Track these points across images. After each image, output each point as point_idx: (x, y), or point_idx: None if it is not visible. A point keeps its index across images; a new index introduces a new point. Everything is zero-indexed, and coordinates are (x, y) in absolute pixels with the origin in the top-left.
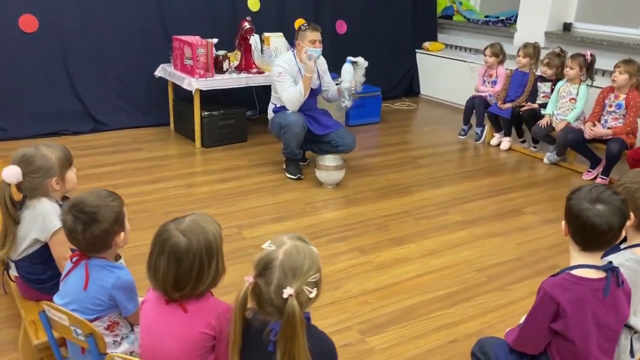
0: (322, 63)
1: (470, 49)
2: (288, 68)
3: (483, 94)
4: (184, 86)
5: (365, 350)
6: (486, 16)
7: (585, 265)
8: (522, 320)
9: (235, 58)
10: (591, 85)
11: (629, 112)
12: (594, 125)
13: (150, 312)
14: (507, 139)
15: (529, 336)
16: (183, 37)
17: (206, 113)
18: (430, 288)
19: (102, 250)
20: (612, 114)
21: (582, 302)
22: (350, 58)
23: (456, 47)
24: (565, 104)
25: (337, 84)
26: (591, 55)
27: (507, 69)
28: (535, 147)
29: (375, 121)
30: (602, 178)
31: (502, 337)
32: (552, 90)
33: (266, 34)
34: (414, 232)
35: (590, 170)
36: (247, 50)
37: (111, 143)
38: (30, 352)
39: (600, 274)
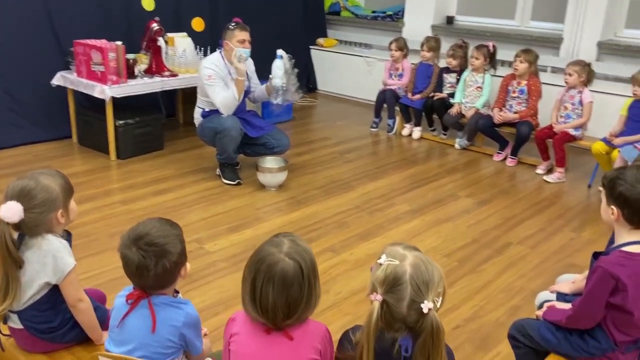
0: (250, 64)
1: (362, 44)
2: (217, 70)
3: (392, 87)
4: (95, 94)
5: None
6: (373, 11)
7: (635, 242)
8: (552, 302)
9: (142, 61)
10: (494, 75)
11: (531, 96)
12: (501, 110)
13: (249, 345)
14: (418, 128)
15: (587, 312)
16: (89, 42)
17: (121, 122)
18: None
19: (168, 285)
20: (516, 99)
21: (638, 275)
22: (280, 52)
23: (348, 42)
24: (472, 92)
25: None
26: (493, 46)
27: (412, 63)
28: (445, 134)
29: (288, 119)
30: (511, 158)
31: (529, 317)
32: (458, 80)
33: (170, 35)
34: (373, 225)
35: (499, 152)
36: (156, 52)
37: (10, 163)
38: None
39: None
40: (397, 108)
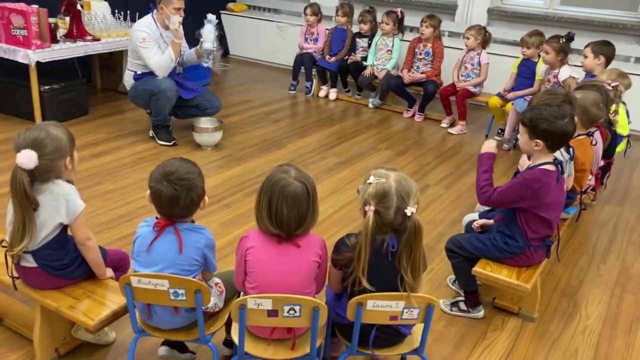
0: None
1: (272, 9)
2: (150, 33)
3: (309, 51)
4: (19, 59)
5: None
6: None
7: (548, 162)
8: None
9: (61, 26)
10: (402, 39)
11: (436, 58)
12: (410, 71)
13: (264, 255)
14: (334, 90)
15: (505, 199)
16: (8, 5)
17: (46, 87)
18: (355, 218)
19: (191, 214)
20: (422, 60)
21: (549, 186)
22: (210, 17)
23: (257, 7)
24: (383, 55)
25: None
26: (401, 12)
27: (326, 28)
28: (359, 95)
29: (207, 83)
30: (419, 114)
31: (461, 233)
32: (369, 44)
33: None
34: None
35: (408, 109)
36: (76, 17)
37: None
38: (48, 342)
39: (553, 167)
40: (314, 71)
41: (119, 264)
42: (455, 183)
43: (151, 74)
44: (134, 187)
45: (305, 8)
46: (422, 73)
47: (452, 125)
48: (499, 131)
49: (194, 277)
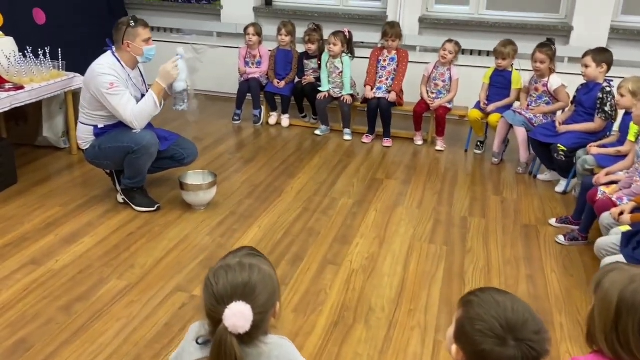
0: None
1: (173, 30)
2: (118, 76)
3: (255, 76)
4: None
5: None
6: None
7: None
8: None
9: None
10: (352, 57)
11: (401, 64)
12: (372, 88)
13: None
14: (286, 116)
15: None
16: None
17: None
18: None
19: None
20: (387, 68)
21: None
22: (180, 51)
23: (158, 28)
24: (336, 79)
25: None
26: (349, 32)
27: (269, 50)
28: (315, 119)
29: None
30: (387, 139)
31: None
32: (319, 65)
33: None
34: (341, 226)
35: (368, 134)
36: None
37: None
38: None
39: None
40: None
41: None
42: (486, 209)
43: (118, 126)
44: (157, 275)
45: (247, 27)
46: (385, 83)
47: (425, 141)
48: (478, 144)
49: None
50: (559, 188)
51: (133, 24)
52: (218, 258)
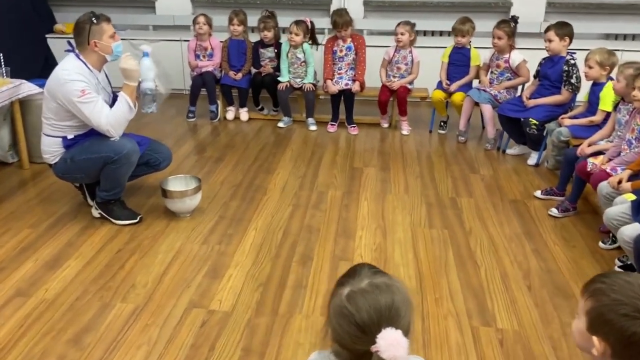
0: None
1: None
2: (87, 81)
3: (209, 69)
4: None
5: None
6: None
7: None
8: None
9: None
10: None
11: (360, 51)
12: (332, 80)
13: None
14: (244, 109)
15: None
16: None
17: None
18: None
19: None
20: (345, 58)
21: None
22: (145, 48)
23: None
24: (298, 69)
25: None
26: (310, 21)
27: (220, 41)
28: (275, 111)
29: None
30: (352, 127)
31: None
32: (276, 54)
33: None
34: (339, 219)
35: (332, 122)
36: None
37: None
38: None
39: None
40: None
41: None
42: (470, 188)
43: (90, 135)
44: (164, 293)
45: (196, 17)
46: (348, 78)
47: (390, 124)
48: (442, 124)
49: None
50: (531, 161)
51: (95, 20)
52: (224, 267)
